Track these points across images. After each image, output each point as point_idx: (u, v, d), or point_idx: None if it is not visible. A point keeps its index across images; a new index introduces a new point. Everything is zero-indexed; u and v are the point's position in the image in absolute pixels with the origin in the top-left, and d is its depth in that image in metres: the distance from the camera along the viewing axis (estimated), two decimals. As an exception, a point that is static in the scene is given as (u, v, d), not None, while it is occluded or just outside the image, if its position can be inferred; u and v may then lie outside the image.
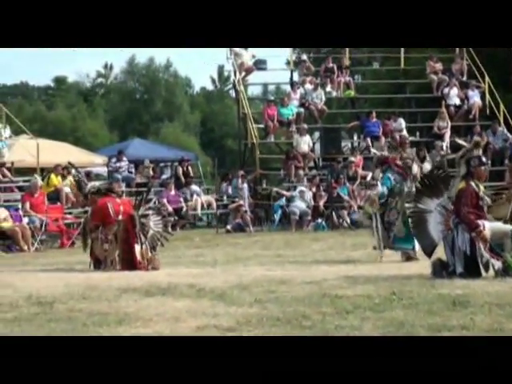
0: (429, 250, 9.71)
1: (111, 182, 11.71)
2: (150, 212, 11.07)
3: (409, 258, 11.36)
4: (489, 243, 9.00)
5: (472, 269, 9.06)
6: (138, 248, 10.75)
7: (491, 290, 7.94)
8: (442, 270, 9.21)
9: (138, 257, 10.73)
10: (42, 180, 18.77)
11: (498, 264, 8.94)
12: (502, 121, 23.42)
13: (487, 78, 24.25)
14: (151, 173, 23.80)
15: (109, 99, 68.04)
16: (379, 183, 11.86)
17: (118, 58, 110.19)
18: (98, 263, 11.01)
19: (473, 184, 9.33)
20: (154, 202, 12.09)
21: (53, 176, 19.00)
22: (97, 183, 12.14)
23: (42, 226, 16.69)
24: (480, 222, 9.09)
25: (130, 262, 10.70)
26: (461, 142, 10.41)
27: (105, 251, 10.94)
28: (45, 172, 20.00)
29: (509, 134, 22.93)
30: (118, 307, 7.43)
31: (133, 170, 23.68)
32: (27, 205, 17.11)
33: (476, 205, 9.23)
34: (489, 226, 9.12)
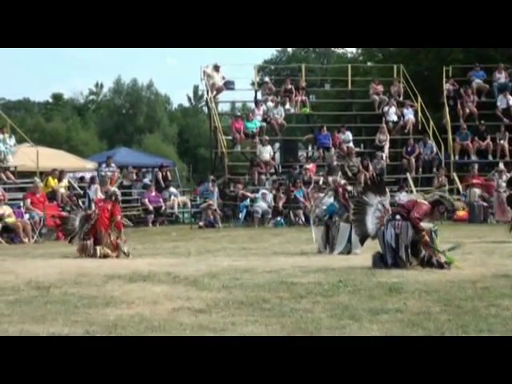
0: (361, 237, 9.80)
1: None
2: None
3: (349, 252, 11.53)
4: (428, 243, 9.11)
5: (397, 260, 9.15)
6: None
7: (421, 279, 8.01)
8: (380, 261, 9.27)
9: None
10: (41, 182, 18.64)
11: (434, 260, 9.03)
12: (431, 135, 23.66)
13: (420, 99, 24.49)
14: (135, 177, 23.66)
15: (99, 113, 67.50)
16: (324, 205, 12.26)
17: (107, 78, 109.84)
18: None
19: (429, 209, 9.36)
20: None
21: (50, 179, 18.86)
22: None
23: (40, 221, 16.58)
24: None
25: None
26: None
27: None
28: (43, 175, 19.80)
29: (434, 148, 23.20)
30: (105, 291, 7.38)
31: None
32: (28, 201, 17.14)
33: (423, 217, 9.30)
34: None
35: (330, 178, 15.75)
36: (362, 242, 9.89)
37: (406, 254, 9.12)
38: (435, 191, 10.07)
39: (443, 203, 9.47)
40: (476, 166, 22.09)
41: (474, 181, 21.34)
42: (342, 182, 13.14)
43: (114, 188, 12.65)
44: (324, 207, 12.23)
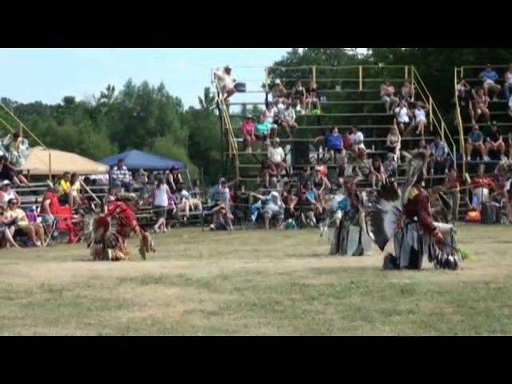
0: (381, 244, 9.78)
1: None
2: None
3: (361, 253, 11.57)
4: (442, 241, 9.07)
5: (415, 262, 9.14)
6: None
7: (433, 280, 7.99)
8: (390, 263, 9.26)
9: None
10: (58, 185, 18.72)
11: (452, 258, 8.99)
12: (443, 136, 23.59)
13: (431, 100, 24.43)
14: (146, 179, 23.69)
15: (110, 116, 67.63)
16: (335, 200, 12.33)
17: (118, 81, 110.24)
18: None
19: (423, 190, 9.42)
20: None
21: (62, 182, 18.93)
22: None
23: (53, 224, 16.64)
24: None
25: None
26: (407, 154, 10.56)
27: None
28: (55, 178, 19.88)
29: (446, 149, 23.11)
30: (118, 294, 7.40)
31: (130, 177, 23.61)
32: (47, 202, 17.12)
33: (428, 207, 9.33)
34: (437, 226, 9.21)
35: (341, 179, 15.81)
36: (383, 247, 9.85)
37: (429, 254, 9.10)
38: (408, 179, 9.88)
39: (420, 170, 9.55)
40: (482, 167, 22.04)
41: (482, 180, 21.26)
42: (354, 180, 13.20)
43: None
44: (336, 203, 12.25)
